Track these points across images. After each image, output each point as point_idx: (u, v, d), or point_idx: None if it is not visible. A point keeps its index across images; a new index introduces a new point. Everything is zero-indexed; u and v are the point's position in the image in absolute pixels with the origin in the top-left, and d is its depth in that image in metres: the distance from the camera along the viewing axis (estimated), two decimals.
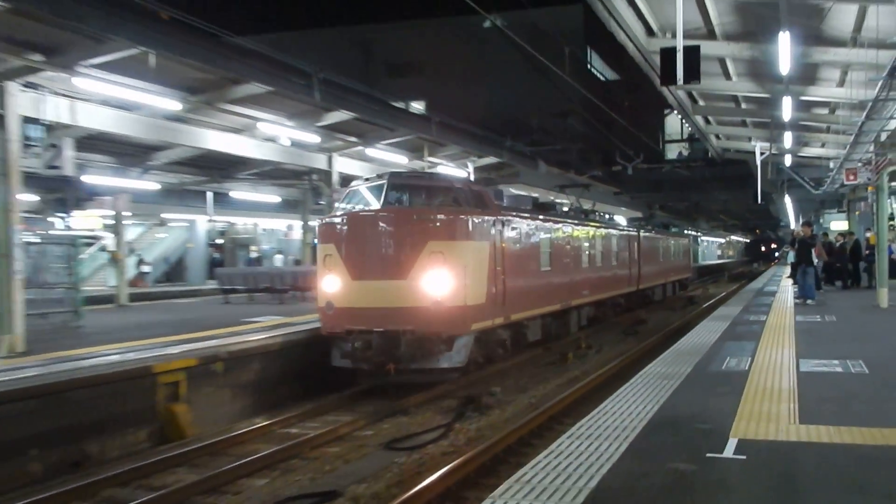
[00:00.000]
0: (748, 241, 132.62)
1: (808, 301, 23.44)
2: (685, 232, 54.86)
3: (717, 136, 39.51)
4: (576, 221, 25.13)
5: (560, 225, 22.82)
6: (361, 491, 9.87)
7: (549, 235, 21.27)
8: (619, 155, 46.23)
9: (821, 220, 48.83)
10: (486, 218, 16.62)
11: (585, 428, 8.18)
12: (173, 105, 17.18)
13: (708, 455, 7.00)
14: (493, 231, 16.77)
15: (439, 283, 14.97)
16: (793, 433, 7.76)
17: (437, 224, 15.70)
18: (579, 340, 23.89)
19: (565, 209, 29.06)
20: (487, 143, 31.63)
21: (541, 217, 21.17)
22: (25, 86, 14.86)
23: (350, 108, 21.19)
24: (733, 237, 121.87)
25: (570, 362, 20.54)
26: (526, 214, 19.95)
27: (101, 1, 13.90)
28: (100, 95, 16.08)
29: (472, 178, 30.69)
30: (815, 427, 7.96)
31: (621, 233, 31.74)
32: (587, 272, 25.05)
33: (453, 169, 30.36)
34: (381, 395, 15.41)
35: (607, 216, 36.17)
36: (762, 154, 37.22)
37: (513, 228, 18.15)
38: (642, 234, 35.73)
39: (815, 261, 25.25)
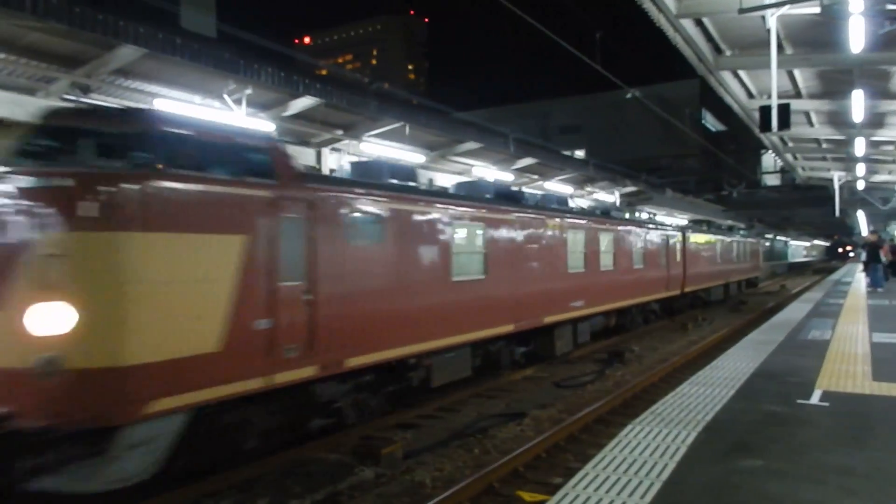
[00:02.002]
0: (828, 244, 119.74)
1: (878, 289, 20.98)
2: (746, 233, 37.59)
3: (803, 168, 35.98)
4: (549, 214, 13.13)
5: (514, 217, 11.67)
6: (540, 413, 9.81)
7: (485, 232, 10.66)
8: (726, 183, 43.52)
9: (887, 229, 43.61)
10: (230, 192, 6.31)
11: (702, 377, 7.71)
12: (420, 158, 17.76)
13: (798, 401, 6.44)
14: (264, 219, 6.58)
15: (59, 319, 5.22)
16: (867, 388, 6.98)
17: (62, 201, 5.36)
18: (696, 314, 22.55)
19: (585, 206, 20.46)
20: (628, 177, 30.54)
21: (453, 203, 10.04)
22: (331, 150, 15.86)
23: (533, 155, 21.17)
24: (816, 241, 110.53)
25: (689, 330, 19.42)
26: (401, 194, 9.00)
27: (376, 94, 14.67)
28: (375, 154, 16.89)
29: (618, 202, 29.59)
30: (885, 384, 7.12)
31: (648, 233, 18.92)
32: (580, 279, 13.98)
33: (583, 199, 29.42)
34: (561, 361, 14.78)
35: (643, 214, 25.97)
36: (839, 180, 33.76)
37: (352, 217, 7.90)
38: (690, 235, 23.03)
39: (883, 259, 22.64)
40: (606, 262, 15.55)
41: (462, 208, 10.21)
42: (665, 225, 22.04)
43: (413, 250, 8.93)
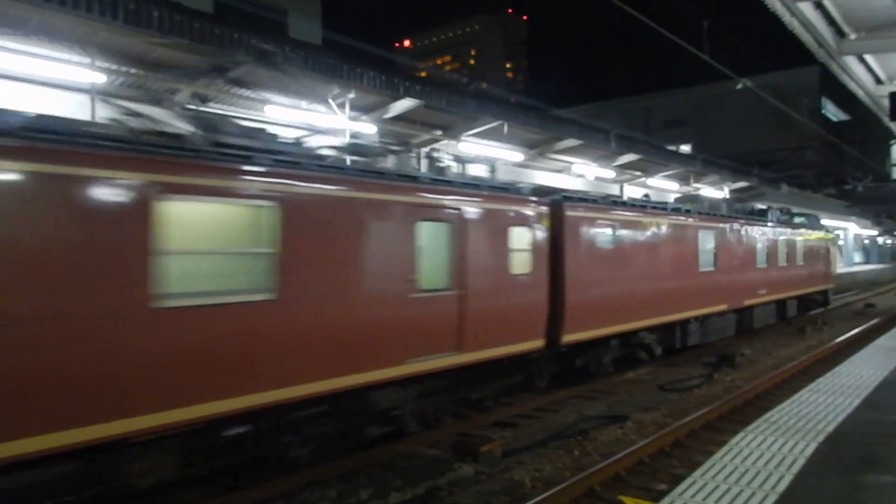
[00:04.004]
0: None
1: None
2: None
3: None
4: None
5: None
6: (643, 417, 9.50)
7: None
8: (850, 177, 40.21)
9: None
10: None
11: (822, 385, 7.19)
12: (518, 156, 17.69)
13: None
14: None
15: None
16: None
17: None
18: (816, 317, 21.04)
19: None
20: (739, 172, 29.02)
21: None
22: (431, 150, 16.09)
23: (636, 151, 20.56)
24: None
25: (807, 334, 18.14)
26: None
27: (474, 94, 14.77)
28: (473, 153, 16.97)
29: (727, 198, 28.08)
30: None
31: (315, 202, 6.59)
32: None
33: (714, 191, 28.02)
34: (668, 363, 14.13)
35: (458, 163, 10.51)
36: None
37: None
38: (581, 214, 10.62)
39: None
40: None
41: None
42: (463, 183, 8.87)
43: None
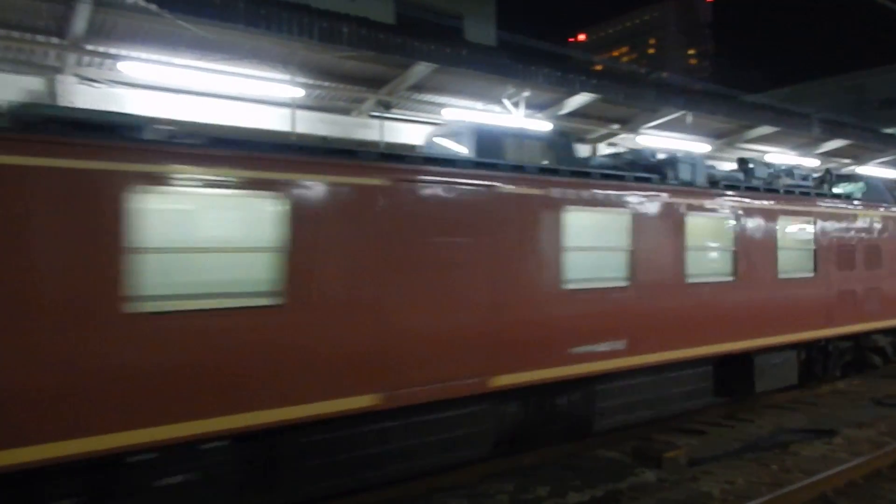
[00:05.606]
0: None
1: None
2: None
3: None
4: None
5: None
6: (855, 433, 8.47)
7: None
8: None
9: None
10: None
11: None
12: (705, 147, 16.62)
13: None
14: None
15: None
16: None
17: None
18: None
19: None
20: None
21: None
22: (607, 145, 15.71)
23: (844, 136, 18.35)
24: None
25: None
26: None
27: (653, 85, 14.18)
28: (653, 147, 16.26)
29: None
30: None
31: None
32: None
33: None
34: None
35: None
36: None
37: None
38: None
39: None
40: None
41: None
42: None
43: None
